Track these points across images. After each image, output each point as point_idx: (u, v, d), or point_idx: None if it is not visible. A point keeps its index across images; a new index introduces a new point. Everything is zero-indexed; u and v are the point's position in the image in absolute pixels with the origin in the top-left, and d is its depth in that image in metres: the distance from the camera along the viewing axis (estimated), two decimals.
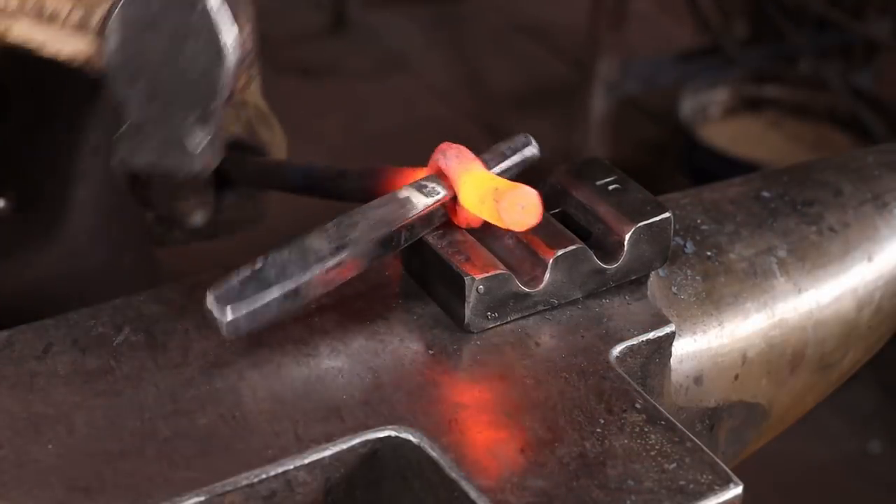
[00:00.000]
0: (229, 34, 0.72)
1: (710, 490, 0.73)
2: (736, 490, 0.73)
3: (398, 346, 0.83)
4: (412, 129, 3.51)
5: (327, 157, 3.40)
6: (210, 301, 0.76)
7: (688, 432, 0.76)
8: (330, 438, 0.75)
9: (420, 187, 0.85)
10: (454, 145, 0.86)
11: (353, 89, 3.74)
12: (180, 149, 0.70)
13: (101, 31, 0.72)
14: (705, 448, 0.75)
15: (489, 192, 0.83)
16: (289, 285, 0.78)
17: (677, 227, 0.97)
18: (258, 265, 0.77)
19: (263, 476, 0.73)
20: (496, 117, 3.65)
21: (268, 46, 3.96)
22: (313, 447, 0.75)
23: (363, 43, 4.06)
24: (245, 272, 0.77)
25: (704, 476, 0.73)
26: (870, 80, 3.52)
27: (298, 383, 0.79)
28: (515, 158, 0.89)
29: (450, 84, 3.84)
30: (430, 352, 0.82)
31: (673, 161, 3.36)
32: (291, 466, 0.74)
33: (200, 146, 0.70)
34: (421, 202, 0.83)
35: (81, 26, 0.75)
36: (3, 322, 1.07)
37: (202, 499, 0.71)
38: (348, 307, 0.86)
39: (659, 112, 3.64)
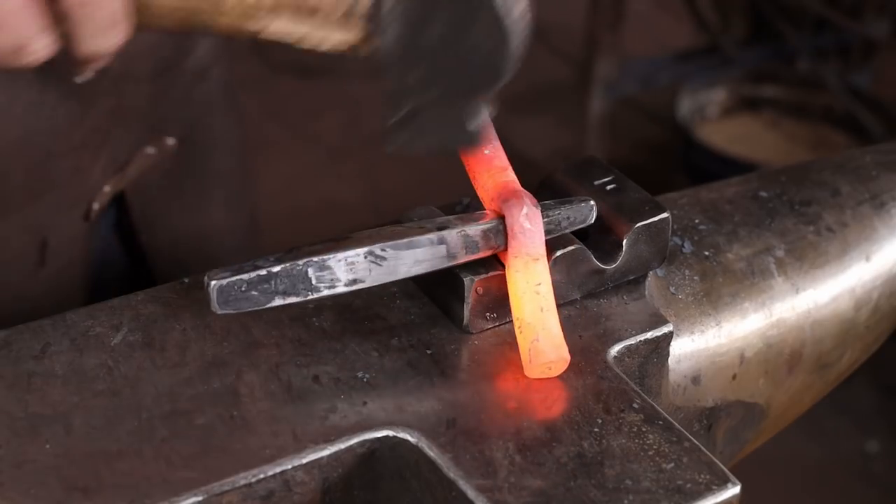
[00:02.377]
0: (515, 14, 0.70)
1: (708, 490, 0.73)
2: (734, 490, 0.73)
3: (396, 346, 0.83)
4: None
5: (326, 157, 3.40)
6: (211, 287, 0.75)
7: (685, 432, 0.77)
8: (328, 438, 0.75)
9: (483, 234, 0.81)
10: (529, 201, 0.81)
11: (351, 89, 3.74)
12: (462, 130, 0.68)
13: (370, 19, 0.70)
14: (703, 448, 0.75)
15: (529, 332, 0.80)
16: (291, 300, 0.78)
17: (675, 226, 0.97)
18: (269, 269, 0.76)
19: (261, 476, 0.73)
20: (495, 117, 3.65)
21: (266, 46, 3.96)
22: (311, 447, 0.75)
23: None
24: (253, 273, 0.76)
25: (702, 476, 0.73)
26: (868, 80, 3.52)
27: (296, 383, 0.79)
28: (569, 229, 0.86)
29: None
30: (429, 352, 0.82)
31: (671, 161, 3.36)
32: (289, 466, 0.74)
33: (481, 123, 0.68)
34: (464, 252, 0.80)
35: (346, 17, 0.73)
36: (169, 271, 1.09)
37: (200, 499, 0.71)
38: (347, 307, 0.86)
39: (657, 112, 3.64)
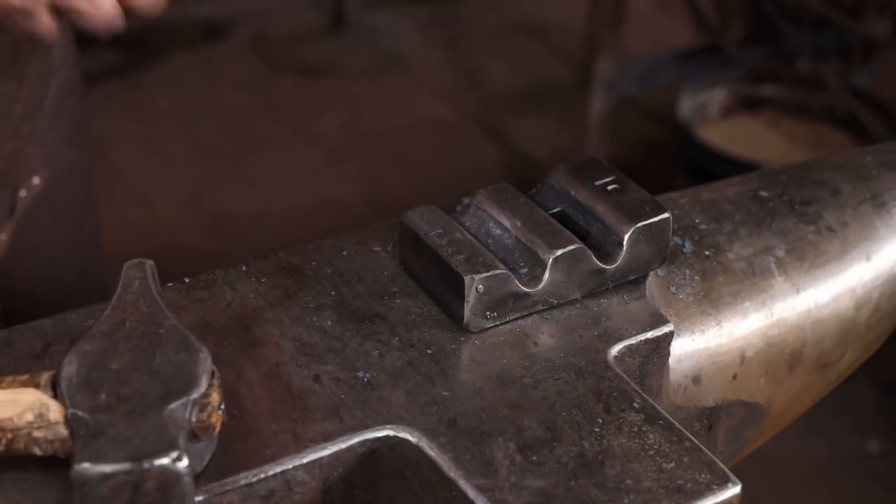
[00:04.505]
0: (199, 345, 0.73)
1: (709, 489, 0.73)
2: (734, 489, 0.73)
3: (397, 345, 0.83)
4: (411, 129, 3.51)
5: (326, 157, 3.40)
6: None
7: (686, 432, 0.77)
8: (328, 438, 0.75)
9: None
10: None
11: (351, 89, 3.74)
12: (158, 438, 0.68)
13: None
14: (704, 447, 0.75)
15: None
16: None
17: (676, 226, 0.97)
18: None
19: (262, 476, 0.73)
20: (495, 117, 3.65)
21: (267, 46, 3.96)
22: (312, 447, 0.75)
23: (362, 43, 4.06)
24: None
25: (703, 475, 0.73)
26: (868, 80, 3.52)
27: (297, 383, 0.79)
28: None
29: (448, 83, 3.84)
30: (429, 351, 0.82)
31: (671, 161, 3.36)
32: (290, 466, 0.74)
33: (179, 432, 0.69)
34: None
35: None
36: (21, 305, 1.10)
37: (201, 498, 0.71)
38: (347, 307, 0.86)
39: (657, 111, 3.64)
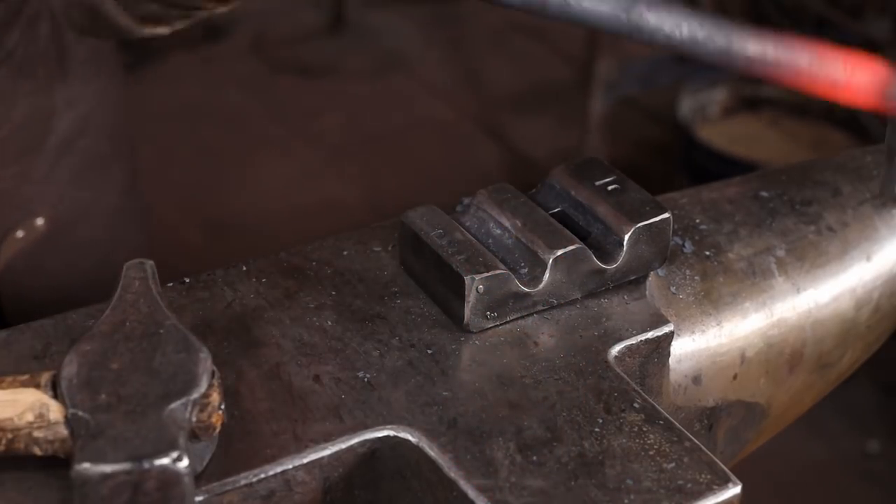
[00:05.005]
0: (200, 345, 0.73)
1: (709, 489, 0.73)
2: (734, 489, 0.73)
3: (397, 345, 0.83)
4: (411, 129, 3.51)
5: (326, 157, 3.40)
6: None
7: (686, 432, 0.77)
8: (328, 438, 0.75)
9: None
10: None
11: (351, 89, 3.74)
12: (158, 438, 0.68)
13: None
14: (704, 447, 0.75)
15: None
16: None
17: (676, 226, 0.97)
18: None
19: (262, 476, 0.73)
20: (495, 117, 3.65)
21: (267, 46, 3.96)
22: (312, 447, 0.75)
23: (362, 43, 4.06)
24: None
25: (703, 475, 0.73)
26: None
27: (297, 383, 0.79)
28: None
29: (449, 84, 3.83)
30: (429, 351, 0.82)
31: (672, 161, 3.36)
32: (290, 466, 0.74)
33: (179, 433, 0.68)
34: None
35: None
36: None
37: (201, 498, 0.71)
38: (347, 307, 0.86)
39: (658, 112, 3.64)
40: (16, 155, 1.07)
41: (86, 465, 0.67)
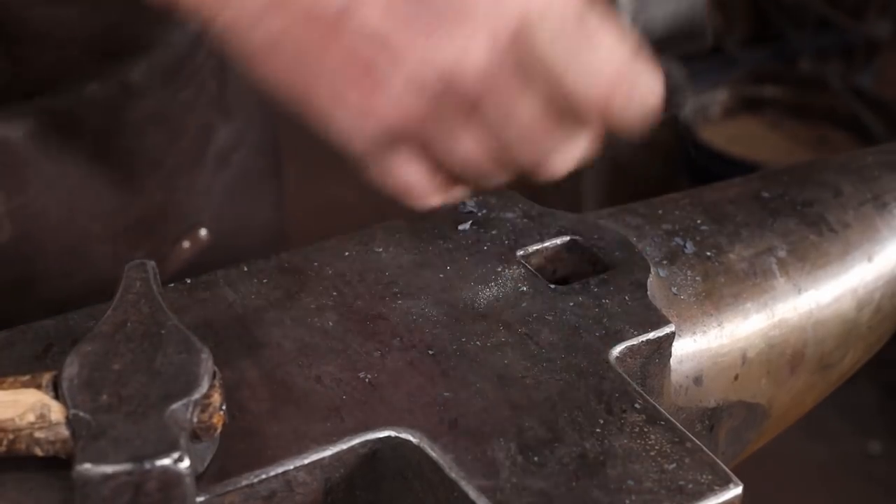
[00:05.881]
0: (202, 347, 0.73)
1: (710, 490, 0.73)
2: (736, 490, 0.73)
3: (398, 345, 0.83)
4: None
5: (326, 158, 3.40)
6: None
7: (687, 432, 0.77)
8: (330, 439, 0.75)
9: None
10: None
11: None
12: (159, 439, 0.68)
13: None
14: (705, 448, 0.75)
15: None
16: None
17: (677, 227, 0.97)
18: None
19: (263, 476, 0.73)
20: None
21: None
22: (313, 447, 0.75)
23: None
24: None
25: (704, 476, 0.73)
26: (870, 81, 3.52)
27: (298, 383, 0.79)
28: None
29: None
30: (430, 352, 0.82)
31: (673, 161, 3.36)
32: (291, 467, 0.74)
33: (180, 433, 0.68)
34: None
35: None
36: None
37: (201, 499, 0.71)
38: (348, 307, 0.86)
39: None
40: (186, 167, 1.08)
41: (87, 466, 0.67)
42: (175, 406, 0.70)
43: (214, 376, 0.73)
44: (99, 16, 0.96)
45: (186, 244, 1.10)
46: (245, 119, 1.19)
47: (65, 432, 0.70)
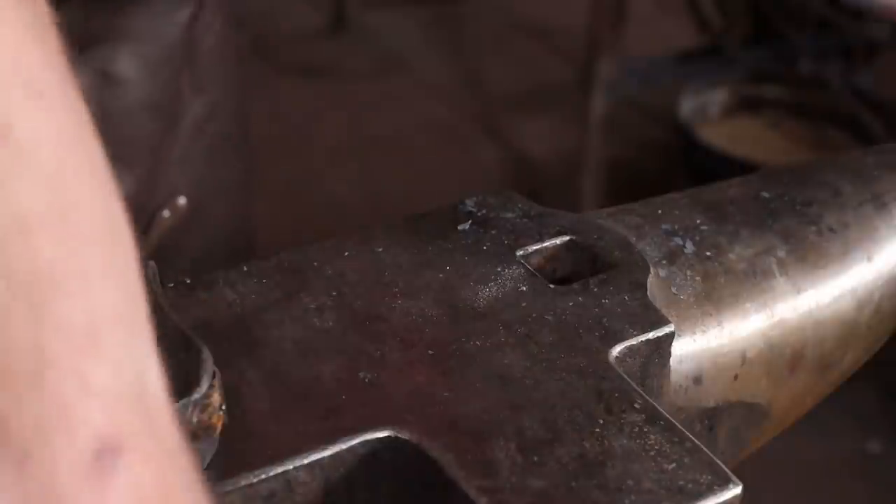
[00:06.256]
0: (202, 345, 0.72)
1: (710, 490, 0.73)
2: (735, 490, 0.73)
3: (398, 346, 0.83)
4: (411, 130, 3.51)
5: (326, 158, 3.40)
6: None
7: (687, 432, 0.77)
8: (329, 439, 0.75)
9: None
10: None
11: (352, 89, 3.74)
12: None
13: None
14: (705, 448, 0.75)
15: None
16: None
17: (677, 227, 0.97)
18: None
19: (263, 476, 0.73)
20: (495, 117, 3.65)
21: (267, 46, 3.96)
22: (313, 447, 0.75)
23: (362, 43, 4.06)
24: None
25: (704, 476, 0.73)
26: (870, 81, 3.52)
27: (298, 383, 0.79)
28: None
29: (449, 84, 3.84)
30: (430, 352, 0.82)
31: (672, 161, 3.36)
32: (291, 467, 0.74)
33: None
34: None
35: None
36: None
37: None
38: (348, 307, 0.86)
39: (658, 112, 3.64)
40: (165, 140, 1.10)
41: None
42: (174, 407, 0.69)
43: (214, 376, 0.72)
44: (76, 6, 0.98)
45: (166, 213, 1.13)
46: (217, 92, 1.23)
47: None
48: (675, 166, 3.32)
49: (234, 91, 1.29)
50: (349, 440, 0.75)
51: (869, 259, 1.01)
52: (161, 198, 1.16)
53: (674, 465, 0.74)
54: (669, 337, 0.86)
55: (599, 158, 3.35)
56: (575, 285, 0.89)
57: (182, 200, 1.16)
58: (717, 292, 0.94)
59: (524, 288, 0.89)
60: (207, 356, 0.73)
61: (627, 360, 0.84)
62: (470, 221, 0.96)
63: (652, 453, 0.75)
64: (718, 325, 0.93)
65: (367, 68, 3.89)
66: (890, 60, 3.58)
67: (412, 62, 3.94)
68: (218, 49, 1.24)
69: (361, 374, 0.80)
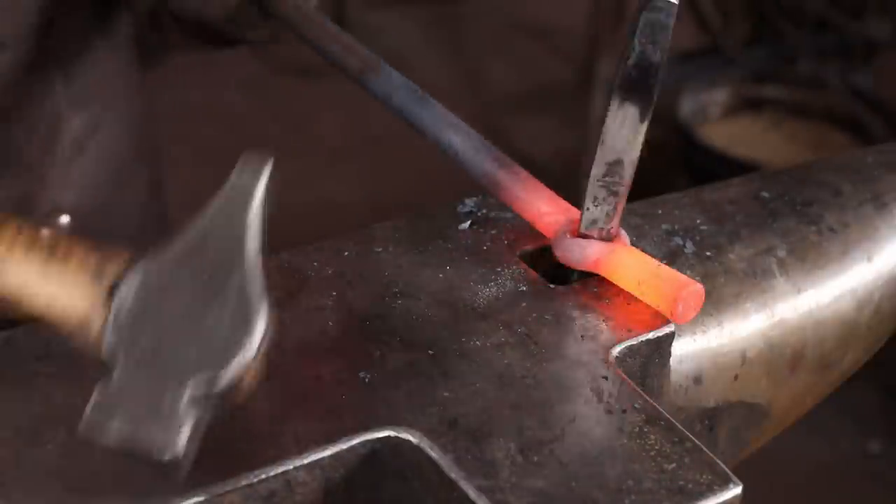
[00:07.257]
0: (261, 309, 0.72)
1: (710, 490, 0.73)
2: (735, 490, 0.73)
3: (397, 346, 0.83)
4: (411, 130, 3.51)
5: (326, 158, 3.40)
6: None
7: (687, 432, 0.76)
8: (329, 439, 0.75)
9: None
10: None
11: (352, 90, 3.74)
12: (161, 424, 0.67)
13: (109, 295, 0.71)
14: (705, 448, 0.75)
15: (658, 279, 0.84)
16: None
17: (677, 227, 0.97)
18: None
19: (263, 476, 0.73)
20: (496, 118, 3.65)
21: (267, 47, 3.96)
22: (313, 448, 0.75)
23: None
24: None
25: (704, 476, 0.73)
26: (869, 81, 3.52)
27: (298, 384, 0.79)
28: None
29: (449, 84, 3.83)
30: (430, 352, 0.82)
31: (672, 161, 3.36)
32: (291, 467, 0.74)
33: (184, 426, 0.68)
34: None
35: (94, 278, 0.73)
36: None
37: (202, 499, 0.71)
38: (347, 307, 0.86)
39: (658, 112, 3.64)
40: (41, 157, 1.09)
41: (88, 430, 0.68)
42: (201, 377, 0.69)
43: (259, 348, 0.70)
44: None
45: (46, 232, 1.12)
46: (101, 106, 1.19)
47: (97, 351, 0.70)
48: (675, 166, 3.31)
49: (124, 109, 1.24)
50: (349, 440, 0.75)
51: (869, 259, 1.01)
52: (42, 215, 1.13)
53: (674, 465, 0.74)
54: (669, 337, 0.86)
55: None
56: (575, 285, 0.89)
57: (65, 219, 1.14)
58: (717, 292, 0.94)
59: (524, 288, 0.89)
60: (261, 332, 0.71)
61: (627, 360, 0.84)
62: (470, 221, 0.96)
63: (652, 453, 0.75)
64: (718, 325, 0.93)
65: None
66: (889, 60, 3.58)
67: (412, 62, 3.93)
68: (100, 66, 1.19)
69: (361, 374, 0.80)
